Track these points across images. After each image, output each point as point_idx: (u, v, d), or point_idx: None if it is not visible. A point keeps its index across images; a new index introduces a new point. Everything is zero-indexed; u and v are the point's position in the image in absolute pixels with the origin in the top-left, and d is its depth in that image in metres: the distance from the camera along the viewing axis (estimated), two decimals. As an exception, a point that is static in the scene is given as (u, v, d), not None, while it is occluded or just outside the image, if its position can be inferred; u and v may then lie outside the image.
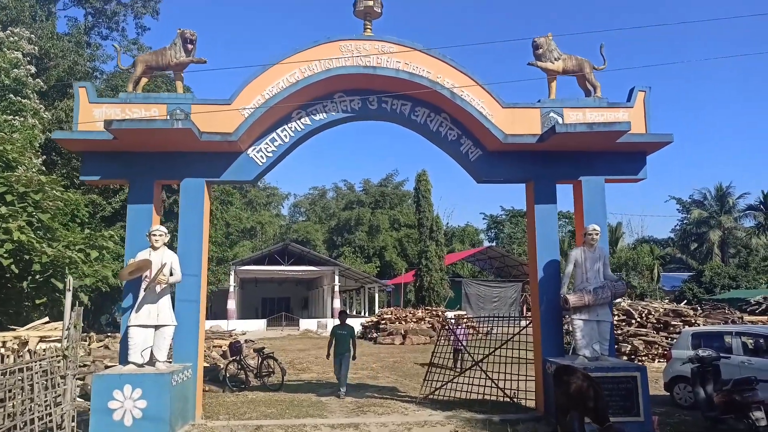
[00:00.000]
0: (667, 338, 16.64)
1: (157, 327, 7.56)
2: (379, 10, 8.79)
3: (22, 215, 10.87)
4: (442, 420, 8.21)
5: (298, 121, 8.65)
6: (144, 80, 8.54)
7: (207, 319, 36.51)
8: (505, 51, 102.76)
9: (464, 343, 11.92)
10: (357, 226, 56.76)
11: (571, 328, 8.21)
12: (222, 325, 30.80)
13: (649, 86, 8.89)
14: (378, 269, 52.76)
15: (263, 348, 13.59)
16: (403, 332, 24.91)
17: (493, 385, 9.46)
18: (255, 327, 35.23)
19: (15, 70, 16.84)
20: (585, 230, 8.11)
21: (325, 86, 8.39)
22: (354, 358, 11.37)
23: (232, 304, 35.20)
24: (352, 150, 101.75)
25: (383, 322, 26.79)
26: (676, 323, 17.52)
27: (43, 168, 16.13)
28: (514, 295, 41.21)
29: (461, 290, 40.87)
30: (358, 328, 31.60)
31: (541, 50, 8.74)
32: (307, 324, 35.95)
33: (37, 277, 11.00)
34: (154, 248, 7.67)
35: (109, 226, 18.79)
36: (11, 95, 16.65)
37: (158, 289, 7.56)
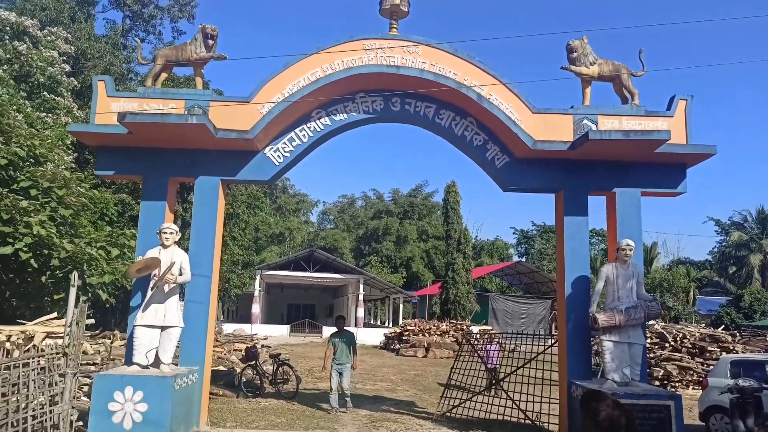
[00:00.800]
0: (702, 364, 15.76)
1: (163, 328, 7.31)
2: (406, 9, 8.46)
3: (45, 210, 10.86)
4: None
5: (317, 121, 8.35)
6: (164, 75, 8.38)
7: (231, 322, 36.73)
8: (535, 54, 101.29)
9: (496, 362, 11.34)
10: (385, 235, 56.53)
11: (600, 350, 7.65)
12: (246, 328, 30.78)
13: (692, 95, 8.32)
14: (404, 280, 52.30)
15: (279, 354, 13.29)
16: (426, 345, 24.36)
17: (514, 406, 8.92)
18: (278, 332, 35.16)
19: (50, 68, 17.13)
20: (618, 245, 7.57)
21: (346, 85, 8.08)
22: (354, 368, 10.42)
23: (256, 309, 35.18)
24: (382, 160, 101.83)
25: (406, 333, 26.28)
26: (712, 349, 16.62)
27: (74, 165, 16.30)
28: (543, 312, 40.21)
29: (488, 305, 40.08)
30: (380, 339, 31.45)
31: (575, 54, 8.27)
32: (330, 331, 35.52)
33: (57, 272, 10.96)
34: (165, 246, 7.44)
35: (137, 226, 18.83)
36: (45, 93, 16.92)
37: (166, 288, 7.31)
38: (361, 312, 36.33)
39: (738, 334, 19.88)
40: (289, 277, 37.17)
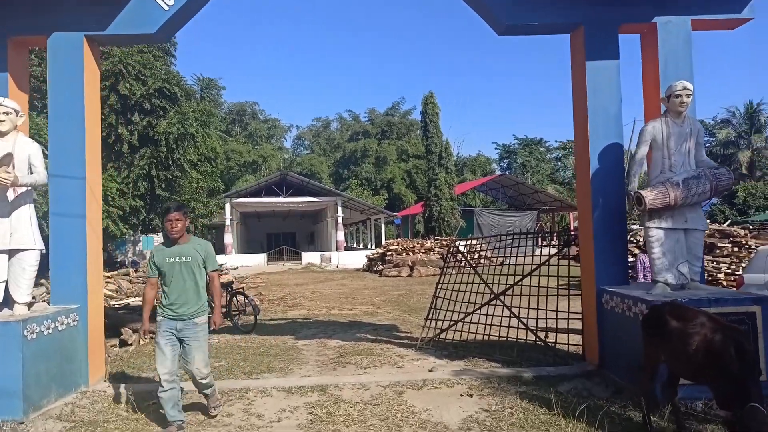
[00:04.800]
0: (713, 262, 14.11)
1: (11, 253, 4.98)
2: None
3: None
4: (447, 378, 5.64)
5: (223, -58, 5.67)
6: None
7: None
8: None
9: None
10: (363, 157, 54.04)
11: (645, 242, 5.51)
12: (220, 259, 28.78)
13: None
14: (386, 202, 50.31)
15: (231, 283, 11.15)
16: (410, 264, 22.56)
17: (520, 324, 6.85)
18: (255, 262, 33.27)
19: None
20: (671, 89, 5.21)
21: None
22: (213, 328, 4.82)
23: (229, 239, 33.09)
24: (355, 77, 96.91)
25: (389, 253, 24.44)
26: (723, 245, 14.98)
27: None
28: (530, 224, 38.83)
29: (473, 220, 38.45)
30: (363, 261, 29.48)
31: None
32: (309, 258, 33.82)
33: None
34: (0, 134, 4.96)
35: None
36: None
37: (10, 196, 4.92)
38: (341, 235, 34.34)
39: (749, 229, 18.28)
40: (262, 203, 34.78)
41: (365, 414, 4.70)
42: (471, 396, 5.09)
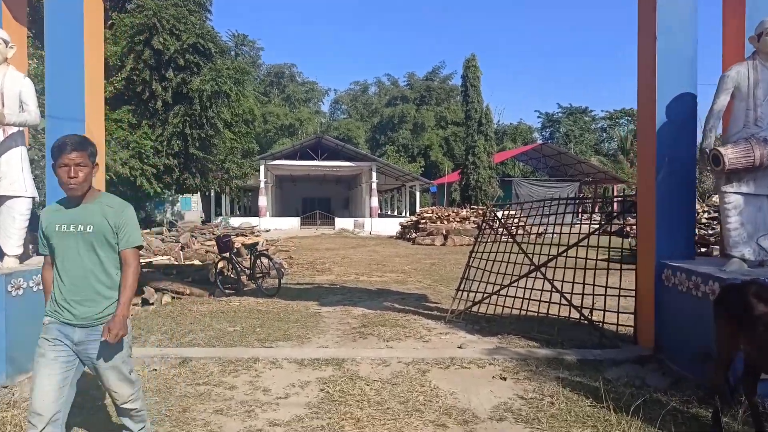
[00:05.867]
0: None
1: (0, 200, 4.54)
2: None
3: None
4: (478, 357, 5.02)
5: None
6: None
7: (240, 216, 34.94)
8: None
9: None
10: (401, 123, 52.93)
11: (720, 209, 4.70)
12: (253, 221, 28.74)
13: None
14: (422, 169, 49.39)
15: (256, 244, 10.72)
16: (444, 232, 21.88)
17: (563, 300, 6.14)
18: (288, 225, 33.10)
19: None
20: (762, 26, 4.31)
21: None
22: (110, 332, 2.69)
23: (263, 201, 32.91)
24: (395, 40, 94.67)
25: (423, 221, 23.77)
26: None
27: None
28: (571, 195, 37.37)
29: (511, 190, 37.24)
30: (396, 229, 28.97)
31: None
32: (342, 223, 33.47)
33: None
34: (-11, 67, 4.46)
35: (114, 109, 15.99)
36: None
37: (-2, 136, 4.44)
38: (375, 201, 33.78)
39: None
40: (297, 167, 34.43)
41: (383, 394, 4.13)
42: (504, 379, 4.45)
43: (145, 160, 15.86)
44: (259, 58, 57.96)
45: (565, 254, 6.04)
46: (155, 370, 4.60)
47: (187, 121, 16.57)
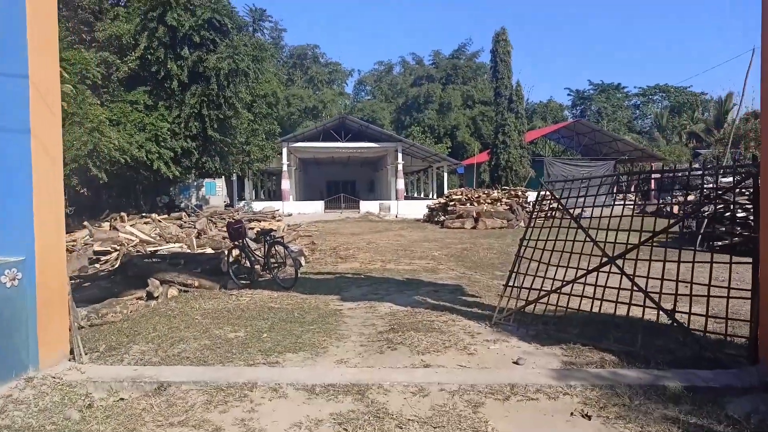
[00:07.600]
0: None
1: None
2: None
3: None
4: (548, 382, 3.76)
5: None
6: None
7: (264, 200, 34.19)
8: None
9: None
10: (426, 103, 51.45)
11: None
12: (276, 206, 27.85)
13: None
14: (449, 150, 47.91)
15: (271, 230, 9.63)
16: (475, 215, 20.57)
17: (649, 301, 4.83)
18: (312, 209, 32.16)
19: None
20: None
21: None
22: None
23: (286, 185, 32.00)
24: (420, 18, 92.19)
25: (452, 203, 22.45)
26: None
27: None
28: (608, 174, 35.55)
29: (543, 170, 35.52)
30: (423, 212, 27.54)
31: None
32: (367, 206, 32.35)
33: None
34: None
35: (129, 90, 15.10)
36: None
37: None
38: (401, 183, 32.57)
39: None
40: (320, 149, 33.35)
41: (421, 443, 2.99)
42: (589, 418, 3.23)
43: (162, 143, 14.98)
44: (282, 39, 56.87)
45: (650, 242, 4.73)
46: (122, 399, 3.53)
47: (204, 102, 15.61)
